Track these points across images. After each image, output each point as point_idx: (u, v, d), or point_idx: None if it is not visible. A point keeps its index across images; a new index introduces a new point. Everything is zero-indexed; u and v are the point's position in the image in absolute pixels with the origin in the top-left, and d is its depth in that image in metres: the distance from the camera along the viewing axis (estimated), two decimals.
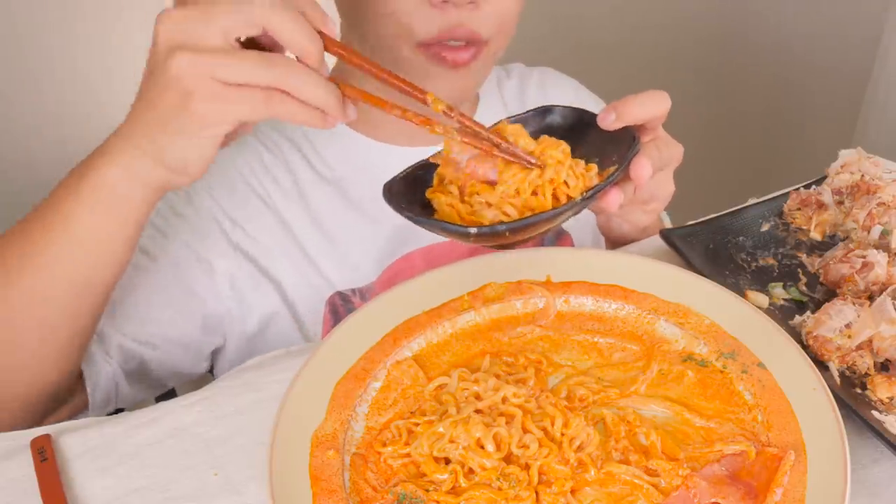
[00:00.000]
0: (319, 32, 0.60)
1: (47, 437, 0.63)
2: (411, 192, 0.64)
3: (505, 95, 1.07)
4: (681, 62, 2.24)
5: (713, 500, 0.54)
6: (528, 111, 0.70)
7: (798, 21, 2.21)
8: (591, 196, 0.61)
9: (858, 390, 0.65)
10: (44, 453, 0.61)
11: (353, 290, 0.92)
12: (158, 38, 0.61)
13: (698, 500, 0.55)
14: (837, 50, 2.18)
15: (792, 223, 0.87)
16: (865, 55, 2.13)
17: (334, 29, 0.61)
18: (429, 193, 0.64)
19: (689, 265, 0.77)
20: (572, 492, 0.56)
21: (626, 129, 0.67)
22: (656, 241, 0.83)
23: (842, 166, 0.91)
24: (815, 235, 0.85)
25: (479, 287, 0.73)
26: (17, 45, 1.65)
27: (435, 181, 0.65)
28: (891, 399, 0.64)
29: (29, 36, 1.65)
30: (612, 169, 0.65)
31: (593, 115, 0.67)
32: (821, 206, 0.86)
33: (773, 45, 2.25)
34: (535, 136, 0.65)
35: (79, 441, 0.64)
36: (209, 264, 0.88)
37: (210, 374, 1.10)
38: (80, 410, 0.82)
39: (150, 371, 0.88)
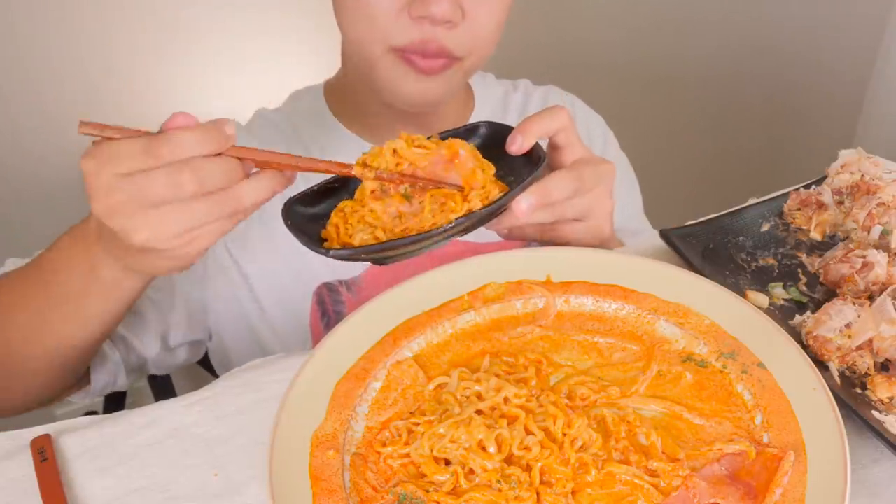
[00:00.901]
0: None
1: (47, 437, 0.63)
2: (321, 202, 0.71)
3: (508, 108, 1.08)
4: (681, 62, 2.24)
5: (713, 500, 0.54)
6: (461, 127, 0.76)
7: (798, 21, 2.21)
8: (460, 224, 0.65)
9: (858, 390, 0.65)
10: (44, 453, 0.61)
11: (341, 282, 0.93)
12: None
13: (698, 500, 0.55)
14: (837, 50, 2.18)
15: (792, 223, 0.87)
16: (866, 55, 2.13)
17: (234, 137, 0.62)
18: (333, 214, 0.70)
19: (689, 265, 0.77)
20: (573, 492, 0.56)
21: (538, 152, 0.71)
22: (656, 241, 0.83)
23: (842, 166, 0.91)
24: (815, 235, 0.85)
25: (479, 287, 0.73)
26: (17, 45, 1.65)
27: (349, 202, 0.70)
28: (891, 399, 0.64)
29: (28, 36, 1.65)
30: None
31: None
32: (821, 206, 0.86)
33: (774, 46, 2.25)
34: (479, 149, 0.71)
35: (79, 441, 0.64)
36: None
37: (210, 374, 1.10)
38: (78, 390, 0.87)
39: (149, 368, 0.92)
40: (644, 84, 2.22)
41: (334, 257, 0.65)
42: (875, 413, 0.62)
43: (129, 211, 0.59)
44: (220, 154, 0.60)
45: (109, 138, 0.60)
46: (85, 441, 0.64)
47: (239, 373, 0.71)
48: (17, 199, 1.74)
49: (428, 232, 0.64)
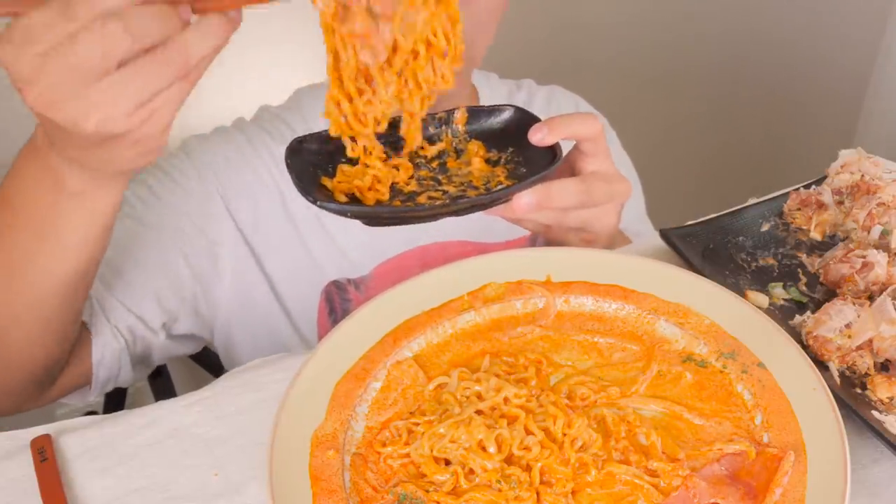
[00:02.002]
0: None
1: (47, 437, 0.63)
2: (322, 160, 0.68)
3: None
4: (681, 61, 2.24)
5: (713, 500, 0.54)
6: (486, 105, 0.75)
7: (798, 21, 2.21)
8: (455, 204, 0.65)
9: (858, 390, 0.65)
10: (44, 453, 0.61)
11: (349, 280, 0.93)
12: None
13: (698, 500, 0.55)
14: (838, 48, 2.18)
15: (792, 223, 0.87)
16: (866, 55, 2.13)
17: None
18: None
19: (689, 265, 0.77)
20: (573, 492, 0.56)
21: (556, 151, 0.70)
22: (656, 241, 0.83)
23: (842, 166, 0.91)
24: (815, 235, 0.85)
25: (479, 287, 0.73)
26: None
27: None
28: (891, 399, 0.64)
29: None
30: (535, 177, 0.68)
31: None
32: (821, 206, 0.86)
33: (774, 45, 2.25)
34: (497, 129, 0.73)
35: (79, 441, 0.64)
36: (214, 245, 0.90)
37: (210, 374, 1.11)
38: (79, 385, 0.84)
39: (153, 357, 0.91)
40: (644, 84, 2.22)
41: (322, 208, 0.63)
42: (875, 413, 0.62)
43: (66, 93, 0.51)
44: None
45: (17, 14, 0.51)
46: (85, 441, 0.64)
47: (239, 373, 0.71)
48: None
49: (418, 206, 0.65)
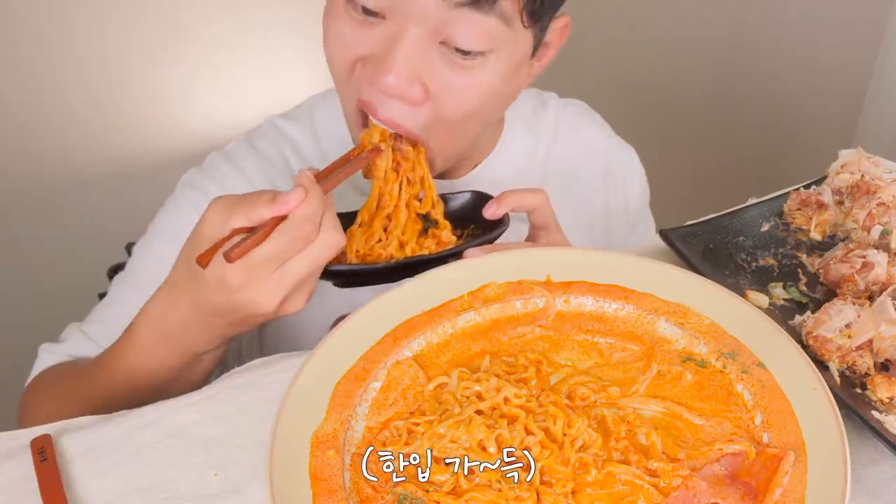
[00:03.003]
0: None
1: (47, 437, 0.63)
2: None
3: (540, 128, 1.06)
4: (681, 62, 2.24)
5: (713, 500, 0.54)
6: (457, 192, 0.87)
7: (798, 21, 2.21)
8: (410, 260, 0.78)
9: (858, 390, 0.65)
10: (44, 453, 0.61)
11: None
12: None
13: (698, 500, 0.55)
14: (837, 50, 2.18)
15: (792, 223, 0.87)
16: (866, 55, 2.13)
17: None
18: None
19: (689, 265, 0.77)
20: (573, 492, 0.56)
21: (505, 220, 0.82)
22: (656, 241, 0.83)
23: (842, 166, 0.91)
24: (815, 235, 0.85)
25: (479, 287, 0.73)
26: (16, 45, 1.65)
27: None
28: (891, 399, 0.64)
29: (28, 37, 1.65)
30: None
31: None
32: (821, 206, 0.86)
33: (774, 45, 2.25)
34: (458, 210, 0.86)
35: (79, 441, 0.64)
36: None
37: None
38: None
39: None
40: (643, 84, 2.22)
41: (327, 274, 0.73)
42: (875, 413, 0.62)
43: (294, 293, 0.69)
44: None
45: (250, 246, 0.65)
46: (85, 441, 0.64)
47: (239, 373, 0.71)
48: (17, 200, 1.75)
49: (374, 264, 0.77)
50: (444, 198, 0.85)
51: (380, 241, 0.80)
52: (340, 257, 0.78)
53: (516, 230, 0.83)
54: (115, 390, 0.77)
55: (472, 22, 0.72)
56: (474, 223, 0.85)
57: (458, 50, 0.74)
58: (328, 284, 0.76)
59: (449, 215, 0.84)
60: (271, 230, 0.66)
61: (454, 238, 0.83)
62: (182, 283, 0.71)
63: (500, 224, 0.81)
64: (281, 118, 1.01)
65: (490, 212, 0.80)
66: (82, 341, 0.87)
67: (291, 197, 0.66)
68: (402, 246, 0.80)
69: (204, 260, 0.66)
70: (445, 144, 0.83)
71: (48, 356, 0.88)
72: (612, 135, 1.12)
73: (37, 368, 0.87)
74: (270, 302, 0.67)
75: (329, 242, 0.68)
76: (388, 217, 0.81)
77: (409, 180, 0.81)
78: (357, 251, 0.79)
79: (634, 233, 1.14)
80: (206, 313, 0.70)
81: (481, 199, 0.84)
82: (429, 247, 0.81)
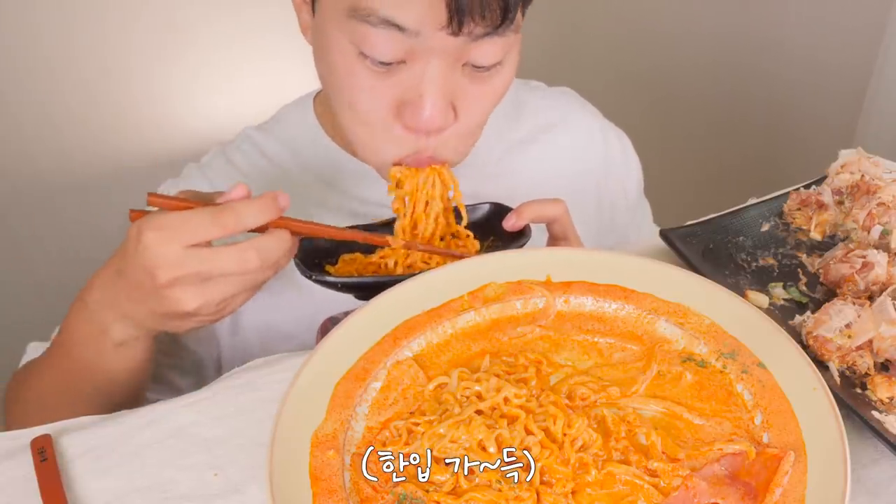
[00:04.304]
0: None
1: (47, 437, 0.63)
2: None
3: (521, 109, 1.05)
4: (681, 62, 2.24)
5: (713, 500, 0.54)
6: (475, 203, 0.86)
7: (798, 21, 2.21)
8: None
9: (858, 390, 0.65)
10: (44, 453, 0.61)
11: (346, 313, 0.92)
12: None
13: (698, 500, 0.55)
14: (837, 50, 2.18)
15: (792, 223, 0.87)
16: (866, 55, 2.13)
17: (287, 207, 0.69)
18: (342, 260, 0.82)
19: (689, 265, 0.77)
20: (573, 492, 0.56)
21: (526, 231, 0.82)
22: (656, 241, 0.83)
23: (842, 166, 0.91)
24: (815, 235, 0.85)
25: (479, 287, 0.73)
26: (16, 46, 1.65)
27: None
28: (891, 399, 0.64)
29: (27, 37, 1.65)
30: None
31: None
32: (821, 206, 0.86)
33: (774, 45, 2.25)
34: (478, 222, 0.85)
35: (79, 441, 0.64)
36: None
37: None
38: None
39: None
40: (643, 83, 2.22)
41: (316, 282, 0.74)
42: (875, 413, 0.62)
43: (191, 282, 0.65)
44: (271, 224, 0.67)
45: (170, 207, 0.65)
46: (85, 441, 0.64)
47: (239, 373, 0.71)
48: (16, 200, 1.75)
49: (392, 276, 0.76)
50: (468, 209, 0.85)
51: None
52: (361, 269, 0.81)
53: (533, 240, 0.83)
54: (59, 377, 0.78)
55: (491, 43, 0.73)
56: (494, 235, 0.84)
57: (477, 66, 0.75)
58: (313, 286, 0.76)
59: (468, 227, 0.84)
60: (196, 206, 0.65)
61: (477, 244, 0.83)
62: (114, 259, 0.71)
63: (521, 235, 0.82)
64: (255, 129, 1.00)
65: (510, 223, 0.81)
66: None
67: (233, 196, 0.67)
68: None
69: (134, 216, 0.66)
70: (461, 151, 0.84)
71: (34, 353, 0.89)
72: (605, 121, 1.12)
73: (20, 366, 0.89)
74: (191, 305, 0.66)
75: (261, 278, 0.68)
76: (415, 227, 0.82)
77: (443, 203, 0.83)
78: (396, 262, 0.81)
79: (634, 221, 1.14)
80: (124, 286, 0.68)
81: (500, 210, 0.84)
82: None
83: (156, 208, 0.66)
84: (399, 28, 0.69)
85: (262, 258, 0.65)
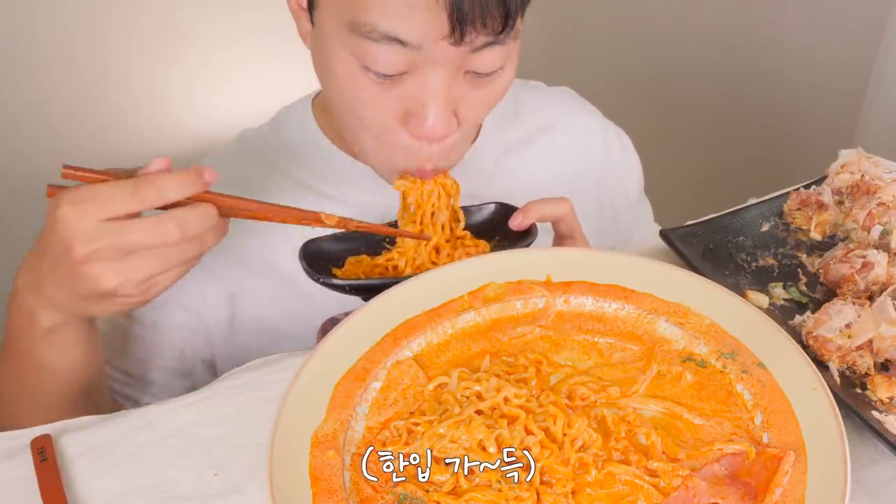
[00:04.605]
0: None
1: (47, 437, 0.63)
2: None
3: (519, 108, 1.04)
4: (681, 62, 2.24)
5: (713, 500, 0.54)
6: (480, 204, 0.86)
7: (798, 21, 2.21)
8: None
9: (858, 390, 0.65)
10: (44, 453, 0.61)
11: (346, 314, 0.92)
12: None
13: (698, 500, 0.55)
14: (837, 50, 2.18)
15: (792, 223, 0.87)
16: (866, 55, 2.13)
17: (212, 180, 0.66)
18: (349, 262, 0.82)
19: (689, 265, 0.77)
20: (573, 492, 0.56)
21: (532, 231, 0.82)
22: (656, 241, 0.83)
23: (842, 166, 0.91)
24: (815, 235, 0.85)
25: (479, 287, 0.73)
26: (14, 45, 1.65)
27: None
28: (891, 399, 0.64)
29: (26, 37, 1.65)
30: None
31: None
32: (821, 206, 0.86)
33: (773, 45, 2.25)
34: (483, 222, 0.85)
35: (79, 441, 0.64)
36: (200, 309, 0.92)
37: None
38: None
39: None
40: (643, 84, 2.22)
41: (324, 286, 0.74)
42: (875, 413, 0.62)
43: (108, 257, 0.62)
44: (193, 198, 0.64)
45: (87, 180, 0.62)
46: (85, 441, 0.64)
47: (239, 373, 0.71)
48: (15, 201, 1.74)
49: (400, 277, 0.75)
50: (468, 210, 0.85)
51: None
52: (368, 271, 0.80)
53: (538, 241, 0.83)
54: (10, 376, 0.77)
55: (492, 51, 0.73)
56: (500, 235, 0.84)
57: (478, 73, 0.75)
58: (312, 287, 0.76)
59: (473, 227, 0.84)
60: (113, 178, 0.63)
61: (486, 245, 0.83)
62: (38, 240, 0.68)
63: (527, 235, 0.81)
64: (254, 131, 1.00)
65: (516, 223, 0.80)
66: None
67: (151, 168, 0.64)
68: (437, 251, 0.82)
69: (51, 191, 0.63)
70: (461, 152, 0.84)
71: None
72: (605, 120, 1.12)
73: None
74: (110, 282, 0.63)
75: (186, 255, 0.65)
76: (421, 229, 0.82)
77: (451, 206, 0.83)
78: (406, 262, 0.81)
79: (634, 220, 1.14)
80: (46, 266, 0.66)
81: (506, 210, 0.84)
82: (459, 256, 0.82)
83: (74, 182, 0.64)
84: (401, 42, 0.69)
85: (183, 230, 0.62)
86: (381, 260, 0.82)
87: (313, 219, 0.72)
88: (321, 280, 0.74)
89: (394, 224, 0.83)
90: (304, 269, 0.75)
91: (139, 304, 0.68)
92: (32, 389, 0.76)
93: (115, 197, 0.61)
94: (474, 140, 0.97)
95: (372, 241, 0.82)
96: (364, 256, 0.82)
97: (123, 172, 0.65)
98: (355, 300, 0.76)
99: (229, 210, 0.68)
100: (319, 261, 0.78)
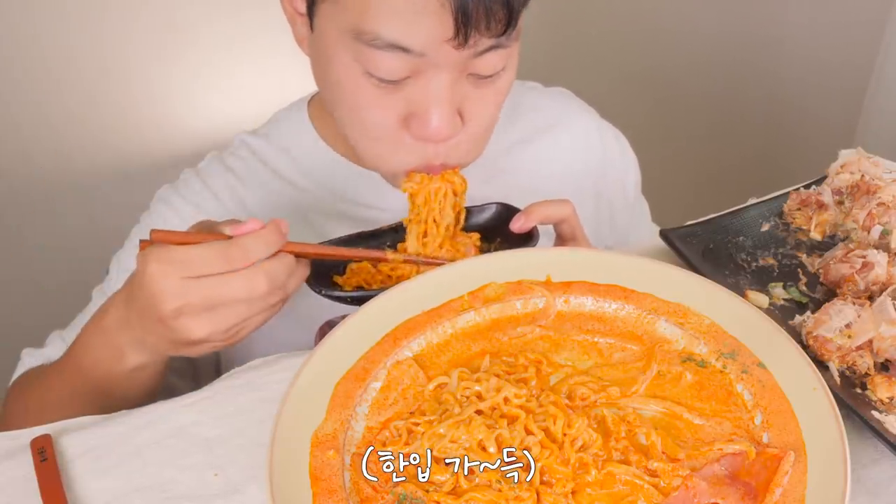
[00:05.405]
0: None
1: (47, 437, 0.63)
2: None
3: (518, 109, 1.04)
4: (680, 61, 2.24)
5: (713, 500, 0.54)
6: (481, 204, 0.86)
7: (798, 20, 2.21)
8: None
9: (858, 390, 0.65)
10: (44, 453, 0.61)
11: (343, 317, 0.92)
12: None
13: (698, 500, 0.55)
14: (838, 49, 2.18)
15: (792, 223, 0.87)
16: (866, 55, 2.13)
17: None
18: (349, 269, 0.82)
19: (689, 265, 0.77)
20: (573, 492, 0.56)
21: (534, 234, 0.81)
22: (656, 241, 0.83)
23: (842, 166, 0.91)
24: (815, 235, 0.85)
25: (479, 287, 0.73)
26: (14, 45, 1.65)
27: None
28: (891, 399, 0.64)
29: (26, 37, 1.65)
30: None
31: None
32: (821, 206, 0.86)
33: (774, 44, 2.25)
34: (484, 223, 0.85)
35: (79, 441, 0.64)
36: None
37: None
38: None
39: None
40: (643, 84, 2.22)
41: (325, 297, 0.75)
42: (875, 413, 0.62)
43: (197, 310, 0.65)
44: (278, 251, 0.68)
45: (176, 242, 0.65)
46: (85, 441, 0.64)
47: (239, 373, 0.71)
48: (15, 201, 1.75)
49: (393, 286, 0.74)
50: (469, 211, 0.84)
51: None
52: (369, 278, 0.81)
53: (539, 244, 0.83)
54: (67, 391, 0.78)
55: (495, 53, 0.74)
56: (501, 236, 0.84)
57: (481, 75, 0.76)
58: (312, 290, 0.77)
59: (475, 228, 0.84)
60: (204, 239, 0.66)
61: (473, 234, 0.83)
62: (126, 286, 0.71)
63: (528, 238, 0.81)
64: (250, 135, 1.00)
65: (518, 225, 0.80)
66: (60, 347, 0.87)
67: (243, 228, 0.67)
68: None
69: (143, 245, 0.67)
70: (473, 152, 0.84)
71: (29, 360, 0.89)
72: (602, 120, 1.11)
73: (17, 372, 0.88)
74: (200, 332, 0.66)
75: (272, 301, 0.68)
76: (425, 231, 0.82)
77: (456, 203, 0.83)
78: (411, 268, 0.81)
79: (632, 220, 1.14)
80: (135, 313, 0.69)
81: (507, 211, 0.83)
82: (451, 247, 0.82)
83: None
84: (404, 50, 0.70)
85: (271, 281, 0.66)
86: (383, 267, 0.82)
87: (379, 257, 0.78)
88: (323, 292, 0.75)
89: (400, 226, 0.83)
90: (306, 281, 0.75)
91: (228, 346, 0.71)
92: (91, 403, 0.76)
93: (205, 259, 0.64)
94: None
95: (373, 247, 0.82)
96: (366, 263, 0.82)
97: (208, 228, 0.69)
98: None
99: (304, 256, 0.72)
100: (320, 268, 0.78)
